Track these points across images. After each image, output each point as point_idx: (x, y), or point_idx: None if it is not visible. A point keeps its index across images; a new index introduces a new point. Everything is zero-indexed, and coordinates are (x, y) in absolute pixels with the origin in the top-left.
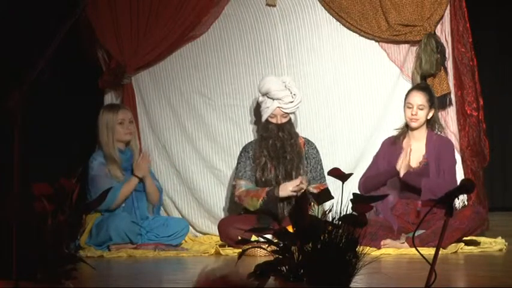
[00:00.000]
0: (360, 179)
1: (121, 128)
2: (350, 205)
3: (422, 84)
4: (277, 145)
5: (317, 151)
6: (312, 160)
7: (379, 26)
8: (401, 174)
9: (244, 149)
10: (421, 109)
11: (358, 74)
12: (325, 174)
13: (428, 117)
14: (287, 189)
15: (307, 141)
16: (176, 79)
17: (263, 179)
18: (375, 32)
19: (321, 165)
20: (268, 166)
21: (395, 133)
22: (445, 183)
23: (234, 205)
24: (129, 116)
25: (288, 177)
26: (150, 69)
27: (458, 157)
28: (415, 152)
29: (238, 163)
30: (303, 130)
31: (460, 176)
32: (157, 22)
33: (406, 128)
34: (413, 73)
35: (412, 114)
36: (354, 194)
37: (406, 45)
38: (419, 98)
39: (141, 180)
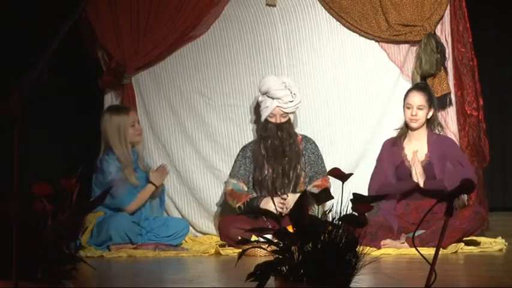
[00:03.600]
0: (370, 184)
1: (133, 130)
2: (350, 205)
3: (421, 84)
4: (276, 145)
5: (316, 146)
6: (312, 155)
7: (379, 26)
8: (422, 184)
9: (243, 149)
10: (421, 109)
11: (358, 74)
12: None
13: (428, 117)
14: (269, 204)
15: (305, 138)
16: (176, 79)
17: (259, 178)
18: (375, 32)
19: (322, 159)
20: (265, 166)
21: (395, 133)
22: (465, 173)
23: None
24: (137, 117)
25: (285, 177)
26: (150, 69)
27: None
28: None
29: (234, 162)
30: (303, 130)
31: None
32: (157, 22)
33: (406, 128)
34: (413, 73)
35: (412, 115)
36: (354, 194)
37: (406, 45)
38: (418, 99)
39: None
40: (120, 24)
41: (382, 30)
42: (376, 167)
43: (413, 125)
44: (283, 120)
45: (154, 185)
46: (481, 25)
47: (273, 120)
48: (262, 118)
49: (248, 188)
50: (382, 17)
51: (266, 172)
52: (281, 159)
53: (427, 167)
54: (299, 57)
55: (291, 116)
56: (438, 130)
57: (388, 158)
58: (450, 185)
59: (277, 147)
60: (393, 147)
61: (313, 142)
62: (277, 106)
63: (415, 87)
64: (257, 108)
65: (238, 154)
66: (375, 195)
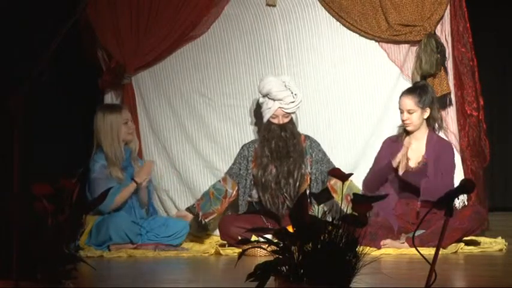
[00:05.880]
0: (363, 181)
1: (125, 128)
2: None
3: (416, 84)
4: (280, 145)
5: (319, 144)
6: (319, 153)
7: (379, 26)
8: (401, 172)
9: (242, 148)
10: (411, 113)
11: (358, 74)
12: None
13: (425, 117)
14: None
15: (308, 137)
16: (176, 79)
17: (263, 180)
18: (375, 32)
19: (328, 156)
20: (269, 167)
21: (397, 130)
22: (443, 186)
23: (234, 204)
24: (130, 115)
25: (290, 177)
26: (150, 69)
27: (458, 157)
28: (414, 152)
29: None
30: (303, 131)
31: (460, 176)
32: (157, 22)
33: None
34: (413, 73)
35: (403, 120)
36: (354, 194)
37: (406, 45)
38: (408, 102)
39: (139, 185)
40: (120, 24)
41: (382, 30)
42: (372, 164)
43: (408, 128)
44: (286, 120)
45: (136, 182)
46: (481, 25)
47: (275, 121)
48: (265, 119)
49: (234, 188)
50: (382, 17)
51: (269, 173)
52: (286, 160)
53: (423, 168)
54: (299, 57)
55: (293, 115)
56: (439, 130)
57: (386, 155)
58: (424, 191)
59: (282, 148)
60: (393, 144)
61: (315, 140)
62: (279, 107)
63: (407, 89)
64: (257, 109)
65: (238, 152)
66: (375, 195)
